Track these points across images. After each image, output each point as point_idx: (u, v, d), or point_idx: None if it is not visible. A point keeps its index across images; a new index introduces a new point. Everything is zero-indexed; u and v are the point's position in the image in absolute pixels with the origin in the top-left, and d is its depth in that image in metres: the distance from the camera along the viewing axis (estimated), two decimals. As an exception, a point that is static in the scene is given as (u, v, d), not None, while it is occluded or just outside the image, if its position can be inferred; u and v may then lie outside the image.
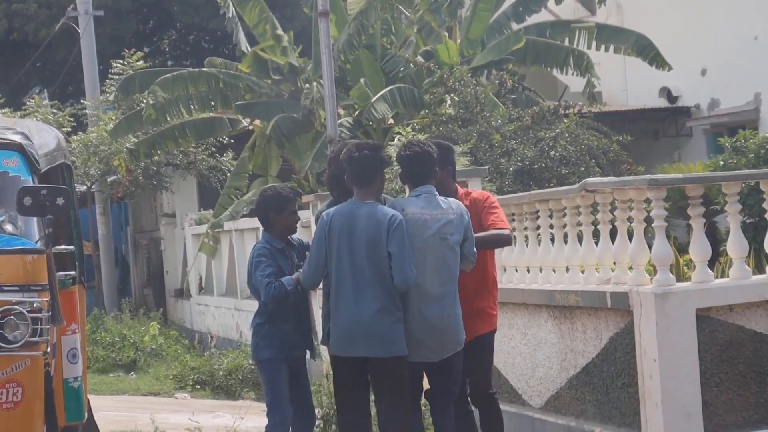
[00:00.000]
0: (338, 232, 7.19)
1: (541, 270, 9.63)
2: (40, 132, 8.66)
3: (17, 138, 8.10)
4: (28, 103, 25.04)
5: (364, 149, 7.31)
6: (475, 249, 7.46)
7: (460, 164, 14.00)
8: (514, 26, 19.34)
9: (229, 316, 18.81)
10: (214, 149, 22.54)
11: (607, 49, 19.24)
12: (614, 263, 8.72)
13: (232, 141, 22.06)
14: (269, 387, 7.90)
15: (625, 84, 22.53)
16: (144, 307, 22.37)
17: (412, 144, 7.54)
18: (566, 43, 19.14)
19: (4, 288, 7.49)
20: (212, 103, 19.38)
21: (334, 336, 7.28)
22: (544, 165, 15.28)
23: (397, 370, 7.23)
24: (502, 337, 10.09)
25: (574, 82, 20.55)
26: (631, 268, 8.47)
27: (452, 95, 16.83)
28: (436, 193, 7.44)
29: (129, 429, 11.00)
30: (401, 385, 7.27)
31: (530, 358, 9.64)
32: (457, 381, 7.57)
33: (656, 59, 18.74)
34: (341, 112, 17.78)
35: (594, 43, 18.99)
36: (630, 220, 8.52)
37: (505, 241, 7.84)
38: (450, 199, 7.52)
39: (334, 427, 9.50)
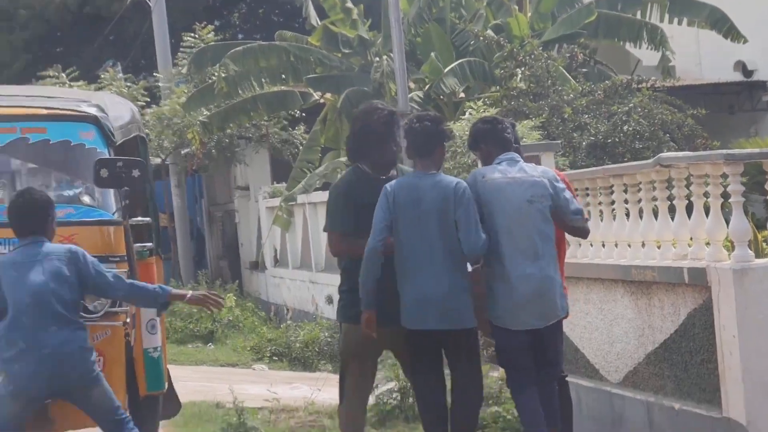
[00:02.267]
0: (403, 205, 7.14)
1: (616, 245, 9.56)
2: (115, 105, 8.74)
3: (93, 111, 8.18)
4: (102, 76, 25.26)
5: (424, 120, 7.31)
6: (577, 205, 7.42)
7: (532, 138, 13.93)
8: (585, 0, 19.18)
9: (304, 289, 18.88)
10: (286, 122, 22.61)
11: (680, 23, 19.02)
12: (690, 239, 8.63)
13: (304, 114, 22.11)
14: None
15: (698, 58, 22.26)
16: (220, 279, 22.51)
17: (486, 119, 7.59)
18: (638, 16, 18.94)
19: (84, 259, 7.56)
20: (283, 76, 19.43)
21: (405, 310, 7.25)
22: (617, 139, 15.16)
23: (469, 342, 7.25)
24: (578, 312, 10.03)
25: (646, 55, 20.32)
26: (708, 243, 8.38)
27: (523, 69, 16.73)
28: (519, 159, 7.43)
29: (209, 399, 11.11)
30: (475, 355, 7.30)
31: (607, 333, 9.58)
32: (560, 353, 7.51)
33: (731, 32, 18.48)
34: (411, 85, 17.75)
35: (667, 16, 18.77)
36: (706, 195, 8.41)
37: (585, 233, 7.77)
38: (535, 165, 7.51)
39: (411, 399, 9.53)
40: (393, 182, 7.29)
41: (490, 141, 7.50)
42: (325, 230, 7.58)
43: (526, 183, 7.32)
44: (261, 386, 11.64)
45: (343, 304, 7.52)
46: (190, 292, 7.54)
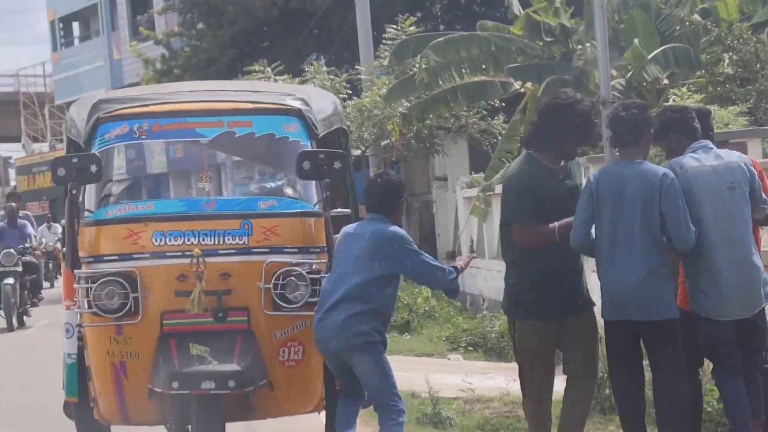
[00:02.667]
0: (607, 194, 7.08)
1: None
2: (318, 97, 8.89)
3: (297, 104, 8.35)
4: (306, 69, 25.71)
5: (632, 108, 7.21)
6: (765, 195, 7.29)
7: (738, 125, 13.59)
8: (798, -20, 18.57)
9: (500, 279, 18.74)
10: (485, 112, 22.58)
11: None
12: None
13: (504, 104, 22.03)
14: None
15: None
16: (417, 269, 22.60)
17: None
18: None
19: (285, 250, 7.77)
20: (483, 66, 19.39)
21: (604, 300, 7.21)
22: (828, 124, 14.67)
23: (670, 333, 7.12)
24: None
25: None
26: None
27: (730, 54, 16.33)
28: (713, 146, 7.33)
29: (404, 388, 11.20)
30: (675, 347, 7.16)
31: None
32: (765, 341, 7.35)
33: None
34: (614, 73, 17.49)
35: None
36: None
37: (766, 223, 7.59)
38: (730, 151, 7.39)
39: (607, 390, 9.43)
40: (597, 171, 7.29)
41: (681, 131, 7.38)
42: (507, 222, 7.38)
43: (725, 169, 7.21)
44: (456, 376, 11.69)
45: (514, 299, 7.46)
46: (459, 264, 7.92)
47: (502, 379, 11.16)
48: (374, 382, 7.46)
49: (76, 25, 52.11)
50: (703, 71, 16.73)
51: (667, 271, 7.10)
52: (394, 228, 7.73)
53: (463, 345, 15.73)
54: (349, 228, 7.80)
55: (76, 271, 7.80)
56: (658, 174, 7.07)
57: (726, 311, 7.17)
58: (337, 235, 8.13)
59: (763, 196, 7.32)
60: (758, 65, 15.91)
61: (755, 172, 7.32)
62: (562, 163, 7.39)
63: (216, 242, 7.72)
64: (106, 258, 7.75)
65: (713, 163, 7.23)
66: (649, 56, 16.89)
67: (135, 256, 7.71)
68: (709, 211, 7.14)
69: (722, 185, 7.18)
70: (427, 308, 18.49)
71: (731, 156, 7.34)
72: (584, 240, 7.15)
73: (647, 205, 7.02)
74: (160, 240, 7.72)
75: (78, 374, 8.00)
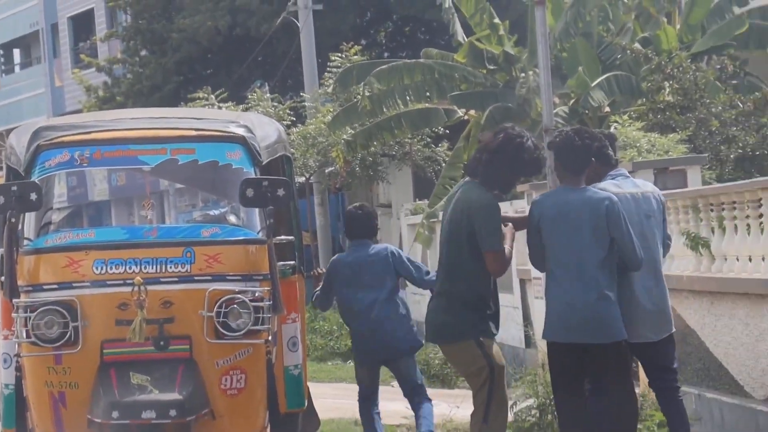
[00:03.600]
0: (553, 220, 7.21)
1: (763, 259, 9.37)
2: (262, 125, 8.86)
3: (240, 131, 8.32)
4: (250, 96, 25.68)
5: (585, 137, 7.34)
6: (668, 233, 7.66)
7: (678, 152, 13.75)
8: (737, 10, 18.81)
9: (444, 306, 18.86)
10: (429, 140, 22.66)
11: (834, 32, 18.53)
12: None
13: (448, 131, 22.13)
14: None
15: None
16: (361, 296, 22.60)
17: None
18: (791, 25, 18.53)
19: (228, 277, 7.73)
20: (428, 93, 19.48)
21: (551, 322, 7.30)
22: (766, 152, 14.86)
23: (617, 355, 7.22)
24: (723, 327, 9.86)
25: (799, 66, 19.86)
26: None
27: (671, 82, 16.51)
28: (629, 175, 7.63)
29: (347, 416, 11.18)
30: (621, 370, 7.26)
31: (752, 349, 9.39)
32: (674, 362, 7.61)
33: None
34: (557, 100, 17.63)
35: (821, 26, 18.33)
36: None
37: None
38: (645, 181, 7.81)
39: (549, 416, 9.46)
40: (538, 198, 7.45)
41: (599, 157, 7.51)
42: (494, 250, 7.32)
43: (642, 198, 7.46)
44: (399, 403, 11.65)
45: (479, 318, 7.47)
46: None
47: (445, 406, 11.15)
48: (418, 378, 9.28)
49: (17, 52, 51.72)
50: (644, 99, 16.91)
51: (614, 293, 7.19)
52: (387, 246, 9.40)
53: (407, 372, 15.69)
54: (341, 257, 9.48)
55: (14, 300, 7.71)
56: (603, 199, 7.20)
57: (635, 334, 7.31)
58: (281, 263, 8.10)
59: (667, 232, 7.68)
60: (697, 94, 16.10)
61: (663, 204, 7.62)
62: (495, 193, 7.52)
63: (158, 270, 7.67)
64: (45, 287, 7.67)
65: (632, 191, 7.45)
66: (593, 84, 17.05)
67: (75, 284, 7.64)
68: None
69: (640, 213, 7.39)
70: (371, 336, 18.43)
71: (647, 186, 7.66)
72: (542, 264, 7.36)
73: (594, 230, 7.15)
74: (101, 268, 7.66)
75: (16, 405, 7.90)
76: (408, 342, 9.23)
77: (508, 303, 14.59)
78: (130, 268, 7.64)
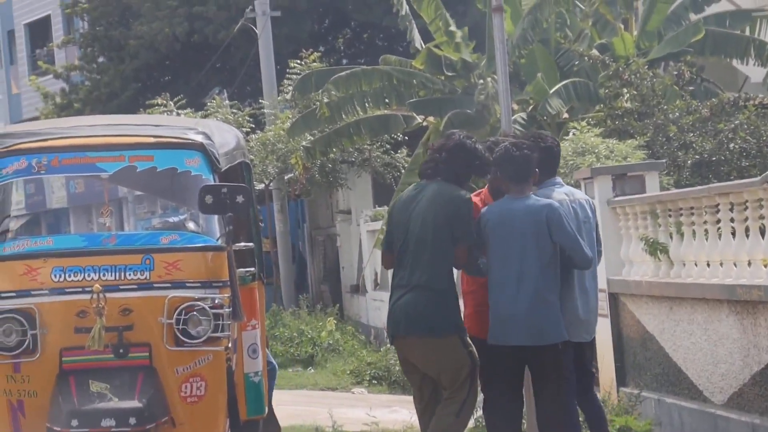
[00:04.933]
0: (497, 228, 7.49)
1: (721, 264, 9.44)
2: (221, 131, 8.85)
3: (199, 138, 8.30)
4: (208, 103, 25.62)
5: (524, 148, 7.57)
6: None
7: (636, 158, 13.80)
8: (693, 17, 18.94)
9: (405, 312, 18.86)
10: (388, 146, 22.68)
11: (790, 38, 18.70)
12: (799, 257, 8.49)
13: (407, 138, 22.15)
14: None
15: (808, 73, 21.82)
16: (321, 302, 22.63)
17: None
18: (747, 32, 18.67)
19: (187, 284, 7.70)
20: (386, 100, 19.48)
21: (491, 327, 7.51)
22: (723, 158, 14.93)
23: (556, 358, 7.43)
24: (682, 332, 9.92)
25: (755, 72, 20.00)
26: (816, 262, 8.24)
27: (629, 88, 16.59)
28: (564, 184, 7.94)
29: (308, 423, 11.15)
30: (560, 373, 7.46)
31: (711, 353, 9.45)
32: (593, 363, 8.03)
33: (842, 46, 18.13)
34: (515, 107, 17.70)
35: (775, 32, 18.48)
36: (815, 212, 8.28)
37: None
38: (575, 189, 8.14)
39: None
40: (486, 208, 7.65)
41: (546, 163, 7.80)
42: (471, 244, 7.64)
43: (578, 205, 7.75)
44: (360, 410, 11.69)
45: (460, 314, 7.71)
46: None
47: (406, 413, 11.16)
48: None
49: (-27, 59, 51.40)
50: (602, 105, 16.98)
51: (555, 297, 7.43)
52: None
53: (368, 378, 15.73)
54: None
55: (-28, 309, 7.64)
56: (543, 206, 7.48)
57: (575, 334, 7.58)
58: (241, 269, 8.09)
59: (600, 237, 7.99)
60: (655, 100, 16.18)
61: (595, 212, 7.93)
62: None
63: (117, 277, 7.64)
64: (3, 295, 7.62)
65: (569, 198, 7.74)
66: (552, 90, 17.11)
67: (33, 292, 7.59)
68: None
69: (578, 220, 7.66)
70: (331, 342, 18.47)
71: (579, 194, 8.00)
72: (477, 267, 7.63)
73: (537, 236, 7.41)
74: (60, 276, 7.62)
75: None
76: None
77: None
78: (88, 275, 7.61)
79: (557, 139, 8.28)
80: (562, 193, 7.77)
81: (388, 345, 17.87)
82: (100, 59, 33.73)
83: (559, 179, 7.98)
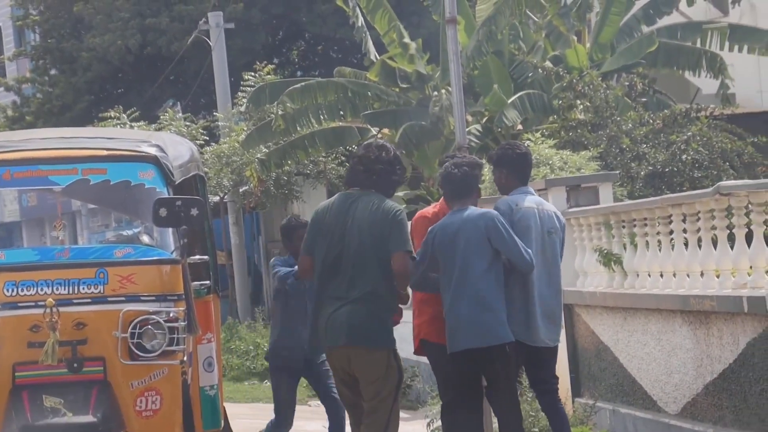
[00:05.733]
0: (443, 242, 7.72)
1: (674, 275, 9.50)
2: (175, 144, 8.82)
3: (152, 151, 8.26)
4: (162, 116, 25.50)
5: (463, 166, 7.83)
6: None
7: (590, 169, 13.88)
8: (645, 29, 19.08)
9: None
10: (343, 158, 22.67)
11: (740, 50, 18.86)
12: (750, 268, 8.56)
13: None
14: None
15: (759, 85, 22.05)
16: (277, 315, 22.53)
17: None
18: (698, 44, 18.83)
19: (142, 298, 7.66)
20: (341, 112, 19.50)
21: (447, 335, 7.73)
22: (675, 169, 15.05)
23: (503, 358, 7.66)
24: (636, 343, 9.97)
25: (706, 84, 20.18)
26: (767, 272, 8.30)
27: (582, 100, 16.69)
28: (534, 193, 8.14)
29: (264, 436, 11.10)
30: (509, 372, 7.72)
31: (665, 363, 9.51)
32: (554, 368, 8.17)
33: (791, 59, 18.33)
34: (469, 119, 17.74)
35: (727, 44, 18.64)
36: (766, 223, 8.35)
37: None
38: (543, 200, 8.26)
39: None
40: (436, 225, 7.85)
41: (518, 170, 8.09)
42: (408, 250, 7.67)
43: (545, 215, 7.99)
44: (317, 422, 11.66)
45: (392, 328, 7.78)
46: None
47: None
48: None
49: (-76, 71, 50.97)
50: (556, 117, 17.07)
51: (499, 300, 7.67)
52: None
53: (324, 391, 15.65)
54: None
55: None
56: (482, 216, 7.74)
57: (535, 338, 7.86)
58: (196, 282, 8.05)
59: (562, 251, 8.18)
60: (608, 111, 16.29)
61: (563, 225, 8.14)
62: None
63: (70, 291, 7.59)
64: (-45, 309, 7.54)
65: (537, 207, 7.98)
66: (508, 102, 17.17)
67: (-15, 306, 7.52)
68: (533, 249, 7.79)
69: (544, 229, 7.93)
70: (286, 355, 18.36)
71: (548, 205, 8.23)
72: (420, 279, 7.82)
73: (476, 244, 7.66)
74: (12, 290, 7.56)
75: None
76: None
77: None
78: (41, 289, 7.56)
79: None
80: (532, 201, 7.98)
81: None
82: (52, 71, 33.52)
83: (530, 188, 8.16)
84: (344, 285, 7.53)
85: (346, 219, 7.59)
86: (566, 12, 18.84)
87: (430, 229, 7.83)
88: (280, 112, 18.89)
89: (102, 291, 7.62)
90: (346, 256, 7.54)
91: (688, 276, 9.28)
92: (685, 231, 9.36)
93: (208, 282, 8.67)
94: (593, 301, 10.62)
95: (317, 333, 7.63)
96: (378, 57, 19.79)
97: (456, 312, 7.65)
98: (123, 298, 7.62)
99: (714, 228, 8.99)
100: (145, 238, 8.59)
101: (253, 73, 23.68)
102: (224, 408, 8.89)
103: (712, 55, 18.38)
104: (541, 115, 17.59)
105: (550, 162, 14.13)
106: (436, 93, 18.56)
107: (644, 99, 18.04)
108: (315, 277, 7.64)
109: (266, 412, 13.37)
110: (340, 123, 19.95)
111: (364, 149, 7.82)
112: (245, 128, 22.61)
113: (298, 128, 19.32)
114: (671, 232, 9.52)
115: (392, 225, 7.52)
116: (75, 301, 7.56)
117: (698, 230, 9.15)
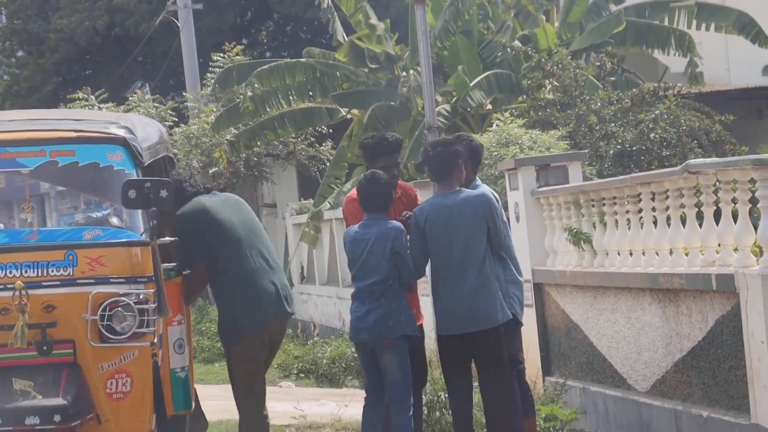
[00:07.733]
0: (435, 223, 7.74)
1: (643, 253, 9.54)
2: (143, 125, 8.76)
3: (121, 132, 8.22)
4: (130, 97, 25.41)
5: (437, 146, 7.97)
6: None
7: (559, 149, 13.91)
8: (613, 8, 19.13)
9: (331, 305, 18.91)
10: (313, 139, 22.66)
11: (708, 28, 18.94)
12: (719, 245, 8.60)
13: (331, 131, 22.16)
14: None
15: (727, 63, 22.18)
16: (247, 296, 22.50)
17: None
18: (666, 23, 18.89)
19: (111, 280, 7.63)
20: (310, 93, 19.46)
21: (439, 318, 7.79)
22: (644, 147, 15.13)
23: (497, 341, 7.74)
24: (606, 321, 10.02)
25: (674, 62, 20.27)
26: (736, 249, 8.35)
27: (551, 80, 16.72)
28: (481, 183, 8.31)
29: (236, 417, 11.08)
30: (502, 355, 7.77)
31: (634, 342, 9.56)
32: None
33: (759, 37, 18.40)
34: (439, 99, 17.75)
35: (694, 22, 18.71)
36: (734, 201, 8.39)
37: None
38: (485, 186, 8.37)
39: (437, 413, 9.53)
40: (420, 206, 7.96)
41: (476, 162, 8.37)
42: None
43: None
44: (288, 403, 11.66)
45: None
46: None
47: (333, 405, 11.17)
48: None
49: None
50: (525, 96, 17.09)
51: (494, 283, 7.73)
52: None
53: (295, 372, 15.71)
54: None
55: None
56: (479, 196, 7.84)
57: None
58: (165, 264, 8.02)
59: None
60: (577, 90, 16.33)
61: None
62: None
63: (39, 274, 7.55)
64: None
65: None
66: (473, 82, 17.18)
67: (-47, 290, 7.47)
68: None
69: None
70: (257, 336, 18.35)
71: (488, 188, 8.32)
72: (424, 272, 7.94)
73: (475, 226, 7.72)
74: (-20, 273, 7.51)
75: None
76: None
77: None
78: (10, 272, 7.51)
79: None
80: (488, 191, 8.12)
81: (315, 338, 17.87)
82: (19, 53, 33.36)
83: (478, 180, 8.33)
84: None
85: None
86: (535, -9, 18.86)
87: (417, 209, 7.92)
88: (249, 93, 18.84)
89: (71, 273, 7.58)
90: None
91: (657, 254, 9.33)
92: (653, 209, 9.40)
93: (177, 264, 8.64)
94: (563, 280, 10.66)
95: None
96: (346, 38, 19.75)
97: (456, 295, 7.69)
98: (92, 281, 7.59)
99: (682, 206, 9.03)
100: (115, 220, 8.54)
101: (221, 54, 23.61)
102: (195, 389, 8.88)
103: (680, 33, 18.45)
104: (509, 94, 17.61)
105: (520, 141, 14.17)
106: (404, 73, 18.56)
107: (613, 78, 18.10)
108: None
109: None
110: (310, 104, 19.93)
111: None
112: (214, 109, 22.55)
113: (268, 109, 19.29)
114: (640, 211, 9.56)
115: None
116: (44, 283, 7.52)
117: (667, 208, 9.19)
